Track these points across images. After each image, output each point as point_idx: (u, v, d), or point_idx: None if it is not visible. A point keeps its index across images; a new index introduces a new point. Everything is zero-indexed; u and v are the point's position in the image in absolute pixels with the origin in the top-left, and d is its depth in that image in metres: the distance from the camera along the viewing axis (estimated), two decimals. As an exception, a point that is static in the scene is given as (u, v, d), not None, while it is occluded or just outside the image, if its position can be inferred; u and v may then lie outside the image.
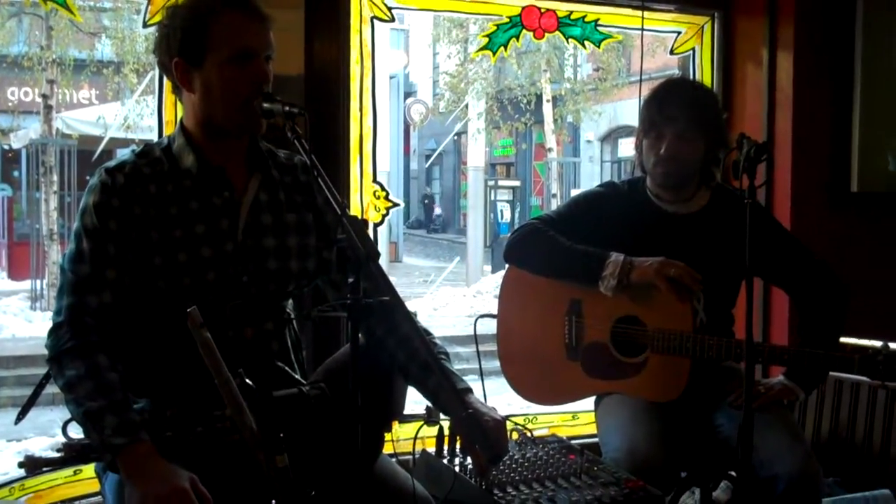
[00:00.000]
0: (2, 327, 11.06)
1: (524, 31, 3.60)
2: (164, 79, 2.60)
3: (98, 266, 2.00)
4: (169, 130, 2.91)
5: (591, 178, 22.99)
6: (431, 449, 2.40)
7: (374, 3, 3.27)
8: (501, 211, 23.70)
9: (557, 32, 3.67)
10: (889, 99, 3.83)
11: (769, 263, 2.78)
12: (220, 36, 2.04)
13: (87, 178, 2.21)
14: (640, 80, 3.75)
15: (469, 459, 2.25)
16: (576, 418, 3.69)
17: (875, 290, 3.57)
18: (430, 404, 2.22)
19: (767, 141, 3.73)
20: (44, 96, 12.99)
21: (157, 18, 2.95)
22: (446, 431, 2.33)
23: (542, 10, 3.61)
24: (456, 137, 26.25)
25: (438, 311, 13.79)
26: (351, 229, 1.76)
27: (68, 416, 1.92)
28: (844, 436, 3.18)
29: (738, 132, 2.34)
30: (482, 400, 2.22)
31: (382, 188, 3.31)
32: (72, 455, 1.88)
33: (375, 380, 2.00)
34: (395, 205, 3.34)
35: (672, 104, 2.74)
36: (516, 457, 2.39)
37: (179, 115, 2.20)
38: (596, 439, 2.79)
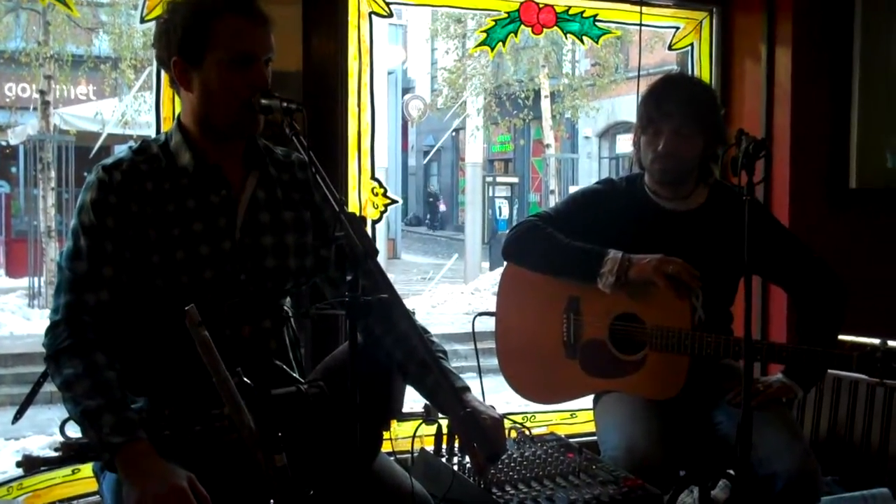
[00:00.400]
0: (-1, 325, 11.06)
1: (522, 26, 3.60)
2: (163, 73, 2.59)
3: (95, 264, 1.99)
4: (167, 126, 2.91)
5: (589, 174, 22.98)
6: (430, 447, 2.40)
7: (371, -2, 3.27)
8: (499, 207, 23.69)
9: (556, 28, 3.66)
10: (887, 95, 3.83)
11: (767, 261, 2.77)
12: (220, 38, 2.03)
13: (85, 174, 2.21)
14: (639, 76, 3.74)
15: (467, 458, 2.24)
16: (574, 416, 3.69)
17: (874, 287, 3.56)
18: (428, 403, 2.22)
19: (766, 137, 3.73)
20: (41, 92, 12.97)
21: (155, 14, 2.94)
22: (445, 430, 2.33)
23: (541, 6, 3.60)
24: (454, 133, 26.26)
25: (436, 308, 13.79)
26: (349, 226, 1.75)
27: (66, 414, 1.91)
28: (843, 434, 3.18)
29: (736, 128, 2.33)
30: (480, 398, 2.22)
31: (381, 185, 3.30)
32: (70, 454, 1.88)
33: (374, 378, 2.00)
34: (394, 201, 3.34)
35: (670, 100, 2.73)
36: (515, 455, 2.39)
37: (177, 111, 2.19)
38: (594, 437, 2.79)
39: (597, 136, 23.77)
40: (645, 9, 3.67)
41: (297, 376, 2.12)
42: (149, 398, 2.05)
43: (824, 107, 3.78)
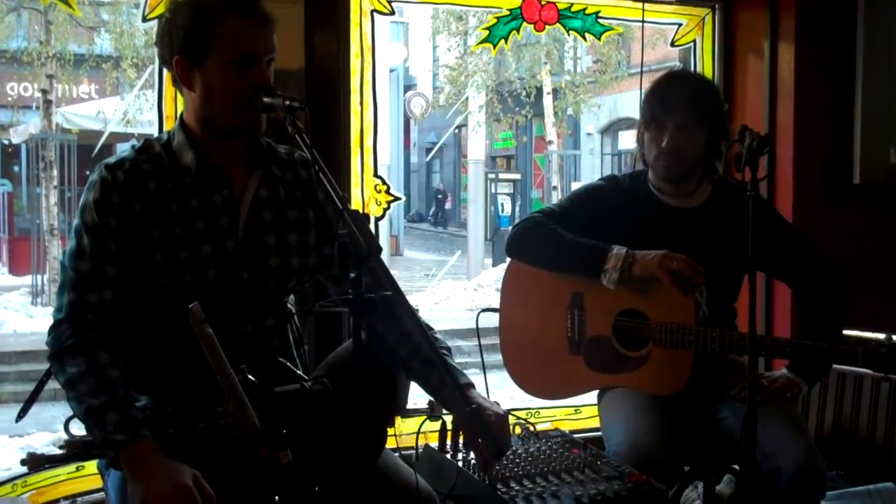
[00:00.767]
0: (3, 323, 11.07)
1: (525, 23, 3.59)
2: (165, 71, 2.59)
3: (98, 263, 1.99)
4: (169, 125, 2.91)
5: (591, 170, 22.98)
6: (434, 444, 2.39)
7: (374, -4, 3.27)
8: (502, 204, 23.67)
9: (558, 25, 3.66)
10: (890, 90, 3.82)
11: (771, 257, 2.77)
12: (223, 38, 2.02)
13: (88, 173, 2.20)
14: (641, 73, 3.74)
15: (472, 454, 2.24)
16: (578, 412, 3.68)
17: (878, 282, 3.56)
18: (432, 399, 2.22)
19: (769, 133, 3.72)
20: (43, 91, 12.99)
21: (157, 12, 2.94)
22: (449, 426, 2.33)
23: (543, 3, 3.60)
24: (456, 130, 26.24)
25: (439, 304, 13.79)
26: (352, 224, 1.75)
27: (70, 412, 1.91)
28: (848, 429, 3.18)
29: (739, 124, 2.33)
30: (484, 394, 2.22)
31: (383, 182, 3.30)
32: (74, 452, 1.88)
33: (378, 375, 2.00)
34: (397, 199, 3.34)
35: (673, 97, 2.73)
36: (519, 451, 2.38)
37: (180, 109, 2.19)
38: (599, 433, 2.79)
39: (599, 133, 23.76)
40: (647, 5, 3.66)
41: (301, 373, 2.12)
42: (153, 396, 2.05)
43: (827, 102, 3.77)
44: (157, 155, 2.11)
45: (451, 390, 2.09)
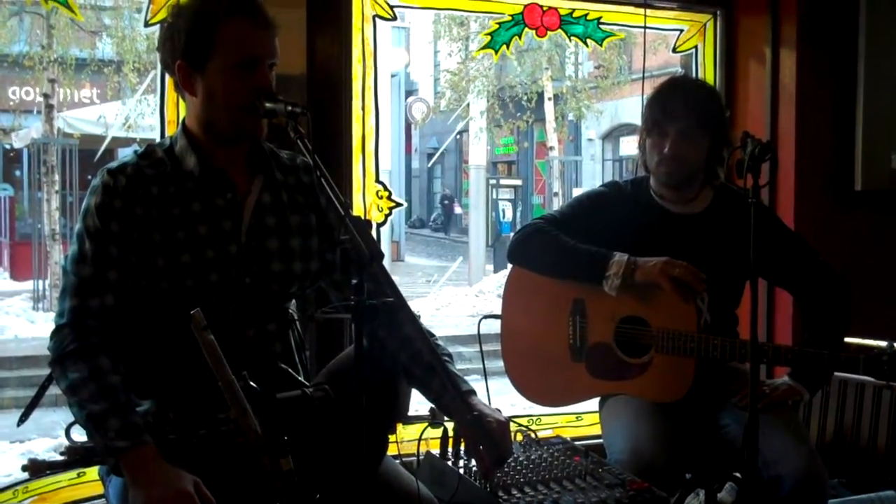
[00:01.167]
0: (4, 328, 11.05)
1: (526, 29, 3.59)
2: (167, 76, 2.59)
3: (100, 268, 1.99)
4: (171, 130, 2.91)
5: (592, 176, 22.98)
6: (436, 451, 2.39)
7: (376, 1, 3.26)
8: (503, 210, 23.65)
9: (560, 30, 3.66)
10: (892, 97, 3.82)
11: (773, 264, 2.77)
12: (226, 42, 2.02)
13: (89, 177, 2.21)
14: (643, 78, 3.74)
15: (473, 461, 2.24)
16: (580, 419, 3.68)
17: (880, 289, 3.56)
18: (433, 406, 2.22)
19: (771, 139, 3.72)
20: (45, 95, 13.00)
21: (159, 17, 2.94)
22: (451, 433, 2.33)
23: (545, 8, 3.60)
24: (457, 136, 26.23)
25: (441, 310, 13.78)
26: (354, 230, 1.75)
27: (71, 418, 1.91)
28: (849, 436, 3.17)
29: (740, 130, 2.34)
30: (486, 401, 2.21)
31: (385, 188, 3.30)
32: (75, 458, 1.87)
33: (379, 382, 1.99)
34: (398, 205, 3.34)
35: (675, 103, 2.73)
36: (521, 458, 2.38)
37: (181, 114, 2.20)
38: (600, 440, 2.79)
39: (600, 139, 23.76)
40: (649, 11, 3.66)
41: (303, 380, 2.12)
42: (154, 402, 2.05)
43: (829, 109, 3.77)
44: (160, 160, 2.11)
45: (452, 397, 2.09)
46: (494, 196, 23.59)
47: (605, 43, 3.76)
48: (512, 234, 2.92)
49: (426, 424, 2.25)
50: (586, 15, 3.66)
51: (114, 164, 2.09)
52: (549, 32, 3.66)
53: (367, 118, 3.27)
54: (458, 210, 30.93)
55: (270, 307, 2.15)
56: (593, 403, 2.95)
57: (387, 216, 3.33)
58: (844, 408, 3.21)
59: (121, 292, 2.01)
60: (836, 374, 3.07)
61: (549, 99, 17.54)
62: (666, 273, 2.59)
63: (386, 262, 1.80)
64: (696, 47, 3.92)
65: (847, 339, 2.74)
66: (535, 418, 3.58)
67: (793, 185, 3.70)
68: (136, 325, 2.05)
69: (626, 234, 2.76)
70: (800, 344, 2.80)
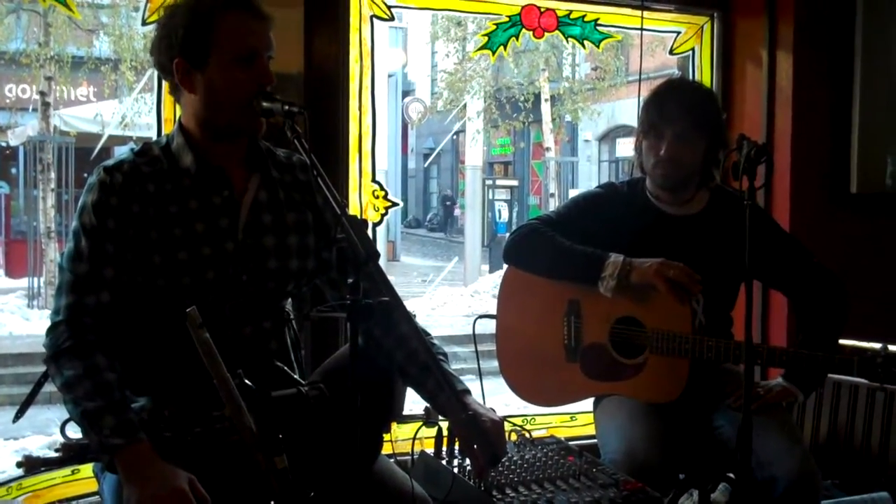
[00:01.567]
0: (-1, 325, 11.05)
1: (524, 30, 3.60)
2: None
3: (96, 265, 1.99)
4: (168, 128, 2.91)
5: (588, 177, 22.99)
6: (430, 450, 2.40)
7: (373, 1, 3.27)
8: (499, 210, 23.64)
9: (557, 32, 3.66)
10: (888, 99, 3.83)
11: (768, 266, 2.77)
12: (225, 36, 2.03)
13: (85, 175, 2.21)
14: (640, 80, 3.75)
15: (468, 460, 2.24)
16: (574, 419, 3.68)
17: (874, 291, 3.56)
18: (428, 405, 2.22)
19: (767, 142, 3.73)
20: (41, 93, 12.97)
21: (157, 16, 2.94)
22: (445, 432, 2.33)
23: (542, 10, 3.60)
24: (454, 136, 26.25)
25: (436, 310, 13.78)
26: (351, 229, 1.75)
27: (66, 415, 1.91)
28: (843, 438, 3.18)
29: (737, 132, 2.34)
30: (480, 401, 2.22)
31: (381, 188, 3.30)
32: (70, 455, 1.88)
33: (375, 380, 2.00)
34: (394, 204, 3.34)
35: (672, 105, 2.73)
36: (515, 458, 2.39)
37: (178, 113, 2.19)
38: (595, 440, 2.79)
39: (597, 140, 23.77)
40: (646, 13, 3.67)
41: (298, 378, 2.12)
42: (149, 399, 2.05)
43: (825, 111, 3.78)
44: (156, 157, 2.11)
45: (447, 396, 2.09)
46: (490, 196, 23.57)
47: (602, 44, 3.76)
48: (508, 235, 2.92)
49: (421, 423, 2.26)
50: (583, 16, 3.67)
51: (110, 162, 2.09)
52: (546, 34, 3.67)
53: (364, 118, 3.27)
54: (457, 211, 30.92)
55: (266, 305, 2.15)
56: (587, 404, 2.95)
57: (383, 216, 3.33)
58: (838, 409, 3.22)
59: (117, 289, 2.01)
60: (830, 375, 3.08)
61: (546, 100, 17.56)
62: (661, 274, 2.60)
63: (382, 262, 1.80)
64: (692, 49, 3.93)
65: (841, 341, 2.75)
66: (529, 418, 3.59)
67: (789, 187, 3.71)
68: (132, 323, 2.05)
69: (621, 236, 2.76)
70: (794, 345, 2.81)
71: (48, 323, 2.00)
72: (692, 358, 2.63)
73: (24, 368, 8.73)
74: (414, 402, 2.25)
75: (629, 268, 2.65)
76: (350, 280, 1.74)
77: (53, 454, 1.89)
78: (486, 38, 3.61)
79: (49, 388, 2.02)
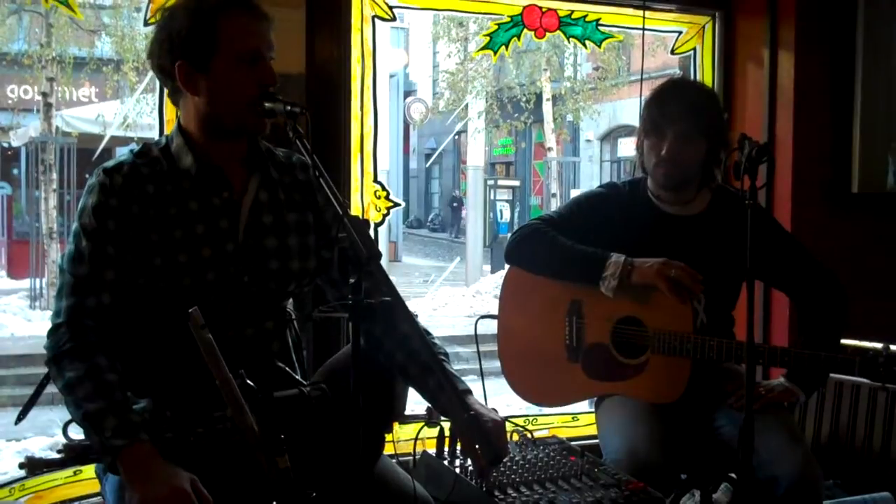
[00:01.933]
0: (1, 326, 11.04)
1: (525, 30, 3.60)
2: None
3: (97, 267, 2.00)
4: (170, 129, 2.89)
5: (590, 177, 23.00)
6: (432, 450, 2.40)
7: (375, 1, 3.27)
8: (501, 210, 23.67)
9: (558, 31, 3.66)
10: (890, 100, 3.83)
11: (769, 266, 2.77)
12: (227, 36, 2.03)
13: (87, 176, 2.21)
14: (641, 80, 3.75)
15: (469, 461, 2.24)
16: (576, 419, 3.68)
17: (876, 291, 3.56)
18: (430, 405, 2.22)
19: (768, 142, 3.73)
20: (43, 94, 12.98)
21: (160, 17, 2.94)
22: (447, 433, 2.33)
23: (544, 10, 3.60)
24: (455, 136, 26.24)
25: (438, 311, 13.78)
26: (353, 230, 1.75)
27: (68, 416, 1.91)
28: (844, 438, 3.18)
29: (738, 133, 2.33)
30: (482, 401, 2.22)
31: (383, 188, 3.30)
32: (72, 456, 1.88)
33: (376, 381, 2.00)
34: (396, 204, 3.34)
35: (674, 105, 2.73)
36: (517, 458, 2.39)
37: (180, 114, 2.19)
38: (596, 441, 2.79)
39: (598, 140, 23.78)
40: (647, 13, 3.66)
41: (300, 378, 2.12)
42: (151, 400, 2.05)
43: (827, 111, 3.78)
44: (156, 159, 2.11)
45: (448, 396, 2.09)
46: (492, 197, 23.60)
47: (603, 44, 3.76)
48: (509, 235, 2.92)
49: (423, 424, 2.26)
50: (585, 16, 3.66)
51: (110, 164, 2.09)
52: (547, 34, 3.67)
53: (366, 118, 3.27)
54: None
55: (268, 306, 2.15)
56: (589, 404, 2.95)
57: (384, 216, 3.33)
58: (840, 409, 3.22)
59: (117, 291, 2.01)
60: (831, 375, 3.07)
61: (548, 100, 17.55)
62: (663, 274, 2.60)
63: (383, 262, 1.80)
64: (694, 49, 3.92)
65: (843, 341, 2.75)
66: (531, 418, 3.59)
67: (790, 187, 3.70)
68: (133, 324, 2.05)
69: (623, 236, 2.76)
70: (795, 345, 2.80)
71: (50, 324, 2.00)
72: (694, 358, 2.63)
73: (27, 369, 8.74)
74: (416, 403, 2.25)
75: (630, 268, 2.65)
76: (352, 280, 1.74)
77: (56, 455, 1.90)
78: (488, 39, 3.61)
79: (51, 389, 2.02)
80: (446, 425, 2.29)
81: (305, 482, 1.84)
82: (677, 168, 2.76)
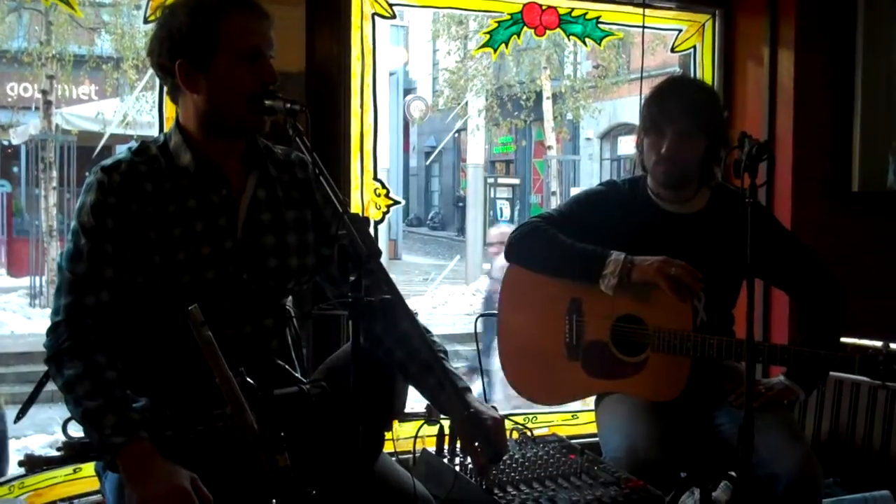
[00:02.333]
0: (1, 324, 11.06)
1: (525, 28, 3.60)
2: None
3: (95, 265, 1.99)
4: (169, 127, 2.90)
5: (590, 175, 22.96)
6: (432, 448, 2.39)
7: (375, -1, 3.27)
8: (501, 209, 23.63)
9: (558, 29, 3.66)
10: (890, 98, 3.83)
11: (769, 264, 2.77)
12: (228, 35, 2.02)
13: (87, 174, 2.21)
14: (641, 78, 3.75)
15: (469, 458, 2.24)
16: (576, 417, 3.68)
17: (876, 289, 3.56)
18: (429, 403, 2.22)
19: (768, 140, 3.73)
20: (43, 92, 12.98)
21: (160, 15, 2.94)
22: (446, 430, 2.33)
23: (544, 8, 3.60)
24: (455, 134, 26.22)
25: (438, 309, 13.79)
26: (353, 227, 1.75)
27: (68, 414, 1.91)
28: (844, 436, 3.18)
29: (738, 131, 2.33)
30: (482, 399, 2.22)
31: (383, 186, 3.30)
32: (72, 454, 1.88)
33: (376, 378, 2.00)
34: (396, 202, 3.34)
35: (674, 103, 2.73)
36: (516, 456, 2.38)
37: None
38: (596, 439, 2.79)
39: (598, 138, 23.74)
40: (648, 11, 3.66)
41: (300, 376, 2.12)
42: (151, 398, 2.05)
43: (827, 109, 3.78)
44: (154, 156, 2.11)
45: (448, 394, 2.09)
46: (492, 195, 23.55)
47: (603, 42, 3.76)
48: (509, 233, 2.92)
49: (422, 421, 2.26)
50: (585, 14, 3.66)
51: (108, 162, 2.09)
52: (547, 31, 3.67)
53: (366, 116, 3.27)
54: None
55: (267, 303, 2.15)
56: (589, 402, 2.96)
57: (384, 214, 3.33)
58: (840, 407, 3.22)
59: (116, 289, 2.01)
60: (831, 373, 3.08)
61: (548, 98, 17.53)
62: (663, 272, 2.60)
63: (383, 260, 1.80)
64: (694, 47, 3.92)
65: (843, 339, 2.75)
66: (530, 416, 3.58)
67: (790, 185, 3.70)
68: (132, 322, 2.05)
69: (623, 234, 2.76)
70: (795, 343, 2.80)
71: (49, 322, 2.00)
72: (694, 356, 2.63)
73: (26, 367, 8.74)
74: (415, 401, 2.25)
75: (630, 266, 2.65)
76: (352, 278, 1.74)
77: (55, 453, 1.90)
78: (488, 36, 3.61)
79: (51, 386, 2.02)
80: (446, 423, 2.29)
81: (305, 480, 1.84)
82: (677, 166, 2.76)
